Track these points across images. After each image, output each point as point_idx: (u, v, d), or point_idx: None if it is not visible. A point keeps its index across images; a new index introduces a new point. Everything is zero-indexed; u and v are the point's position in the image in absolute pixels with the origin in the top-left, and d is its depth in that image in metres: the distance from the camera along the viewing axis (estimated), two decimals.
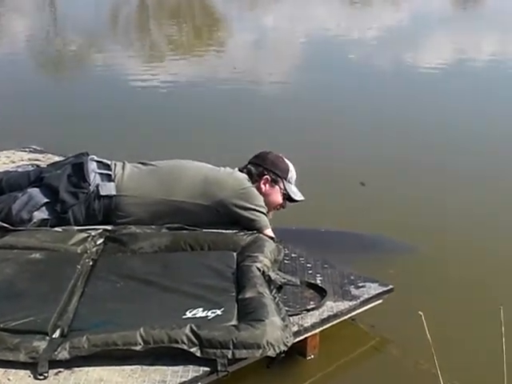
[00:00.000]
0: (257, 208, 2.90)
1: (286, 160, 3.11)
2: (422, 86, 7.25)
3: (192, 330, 2.03)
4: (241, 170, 3.04)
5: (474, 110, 6.17)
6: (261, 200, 2.94)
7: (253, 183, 2.99)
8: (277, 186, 3.04)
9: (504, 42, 10.48)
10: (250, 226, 2.87)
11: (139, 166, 3.00)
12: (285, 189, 3.06)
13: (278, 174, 3.04)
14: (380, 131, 5.38)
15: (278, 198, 3.05)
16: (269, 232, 2.89)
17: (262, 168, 3.03)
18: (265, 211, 2.93)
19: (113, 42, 10.59)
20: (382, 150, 4.83)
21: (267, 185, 3.02)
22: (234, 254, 2.61)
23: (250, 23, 12.75)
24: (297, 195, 3.10)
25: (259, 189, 3.00)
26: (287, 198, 3.08)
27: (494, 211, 3.81)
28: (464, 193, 4.09)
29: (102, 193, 2.83)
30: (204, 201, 2.88)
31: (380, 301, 2.57)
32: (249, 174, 3.02)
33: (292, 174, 3.09)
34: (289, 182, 3.07)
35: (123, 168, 2.94)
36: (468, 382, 2.28)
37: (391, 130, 5.45)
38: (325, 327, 2.36)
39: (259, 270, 2.46)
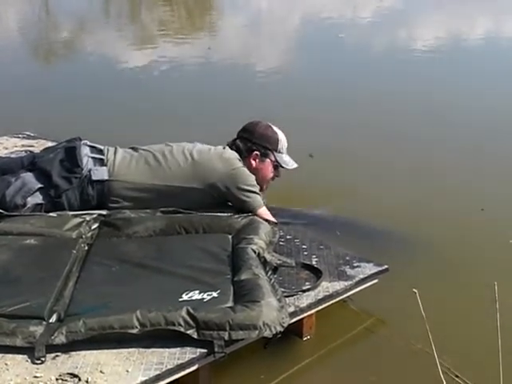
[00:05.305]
0: (248, 188, 2.88)
1: (275, 129, 3.05)
2: (411, 63, 7.34)
3: (188, 313, 2.03)
4: (230, 147, 3.01)
5: (464, 85, 6.31)
6: (252, 179, 2.91)
7: (242, 159, 2.96)
8: (267, 160, 3.01)
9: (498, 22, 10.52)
10: (244, 207, 2.86)
11: (130, 151, 2.97)
12: (276, 160, 3.02)
13: (268, 147, 3.00)
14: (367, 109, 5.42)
15: (269, 171, 3.02)
16: (263, 211, 2.87)
17: (251, 143, 2.99)
18: (257, 190, 2.90)
19: (104, 26, 10.52)
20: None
21: (257, 160, 3.00)
22: (230, 236, 2.61)
23: (241, 6, 12.70)
24: (289, 164, 3.06)
25: (249, 165, 2.97)
26: (280, 167, 3.05)
27: (488, 189, 3.82)
28: (457, 171, 4.11)
29: (94, 177, 2.82)
30: (197, 184, 2.87)
31: (375, 281, 2.57)
32: (237, 150, 2.98)
33: (282, 143, 3.03)
34: (279, 152, 3.03)
35: (115, 153, 2.93)
36: (461, 359, 2.29)
37: (375, 105, 5.50)
38: (321, 307, 2.37)
39: (254, 252, 2.46)
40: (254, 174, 2.95)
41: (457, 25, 10.14)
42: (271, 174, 3.05)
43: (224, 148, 3.00)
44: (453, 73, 6.92)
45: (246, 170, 2.93)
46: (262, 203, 2.90)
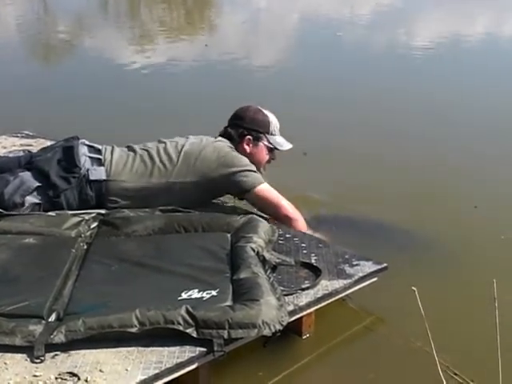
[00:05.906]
0: (241, 168, 2.86)
1: (265, 112, 3.05)
2: (411, 61, 7.36)
3: (188, 311, 2.03)
4: (222, 135, 3.01)
5: (465, 83, 6.35)
6: (244, 160, 2.90)
7: (235, 146, 2.95)
8: (260, 143, 3.00)
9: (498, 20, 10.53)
10: (243, 188, 2.84)
11: (126, 150, 2.98)
12: (269, 143, 3.02)
13: (259, 131, 3.00)
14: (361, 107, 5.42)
15: (263, 155, 3.02)
16: (265, 186, 2.85)
17: (242, 128, 2.99)
18: (252, 168, 2.88)
19: (103, 24, 10.51)
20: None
21: (250, 144, 2.99)
22: (228, 235, 2.61)
23: (239, 3, 12.71)
24: (283, 145, 3.05)
25: (243, 150, 2.96)
26: (275, 149, 3.04)
27: (489, 189, 3.82)
28: (458, 169, 4.10)
29: (92, 177, 2.82)
30: (192, 178, 2.86)
31: (375, 279, 2.57)
32: (229, 138, 2.98)
33: (274, 125, 3.02)
34: (272, 134, 3.02)
35: (112, 152, 2.93)
36: (461, 357, 2.29)
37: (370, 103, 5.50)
38: (320, 306, 2.37)
39: (253, 251, 2.46)
40: (248, 159, 2.94)
41: (457, 23, 10.14)
42: (266, 157, 3.04)
43: (216, 138, 3.00)
44: (454, 71, 6.92)
45: (236, 153, 2.91)
46: (263, 180, 2.87)
